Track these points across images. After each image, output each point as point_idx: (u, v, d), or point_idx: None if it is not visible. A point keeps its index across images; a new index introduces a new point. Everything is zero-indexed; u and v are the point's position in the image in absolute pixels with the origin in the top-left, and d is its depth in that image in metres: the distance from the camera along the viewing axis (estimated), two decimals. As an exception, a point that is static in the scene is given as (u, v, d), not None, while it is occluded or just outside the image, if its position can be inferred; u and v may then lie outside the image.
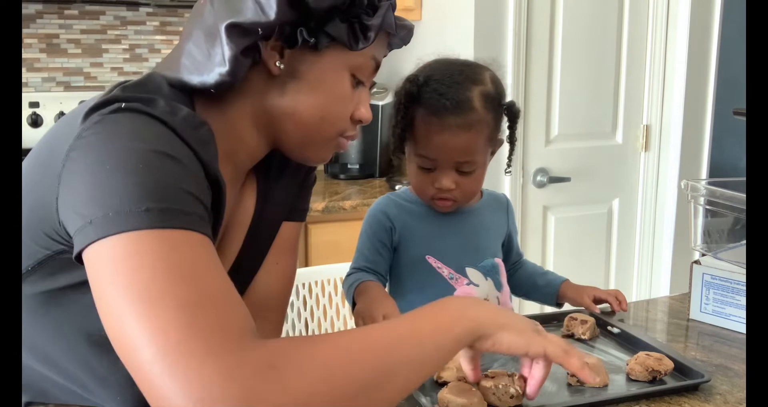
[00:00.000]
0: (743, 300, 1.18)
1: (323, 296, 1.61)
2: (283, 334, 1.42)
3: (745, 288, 1.18)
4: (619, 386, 0.95)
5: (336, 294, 1.62)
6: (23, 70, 2.38)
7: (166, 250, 0.63)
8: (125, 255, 0.62)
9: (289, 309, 1.53)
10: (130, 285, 0.62)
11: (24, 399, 0.82)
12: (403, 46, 0.94)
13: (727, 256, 1.25)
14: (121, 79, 2.52)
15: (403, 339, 0.69)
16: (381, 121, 2.43)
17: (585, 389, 0.93)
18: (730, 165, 2.96)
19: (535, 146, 2.40)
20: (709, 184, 1.31)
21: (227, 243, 0.94)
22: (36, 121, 2.31)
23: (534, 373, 0.83)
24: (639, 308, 1.33)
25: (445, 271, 1.13)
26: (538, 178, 2.41)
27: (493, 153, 1.14)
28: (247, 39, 0.78)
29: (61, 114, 2.32)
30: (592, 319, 1.13)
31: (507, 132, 1.15)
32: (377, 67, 0.90)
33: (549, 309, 1.32)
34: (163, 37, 2.53)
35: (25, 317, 0.77)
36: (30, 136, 2.21)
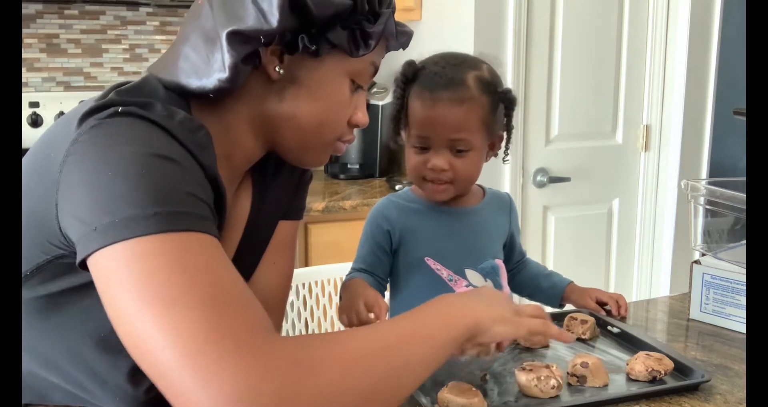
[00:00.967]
0: (743, 300, 1.18)
1: (323, 296, 1.61)
2: (283, 334, 1.42)
3: (745, 288, 1.18)
4: (619, 386, 0.95)
5: (336, 294, 1.62)
6: (23, 70, 2.38)
7: (179, 252, 0.63)
8: (138, 260, 0.62)
9: (289, 309, 1.53)
10: (146, 287, 0.61)
11: (23, 401, 0.82)
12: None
13: (727, 256, 1.25)
14: (121, 79, 2.53)
15: (410, 337, 0.71)
16: (381, 121, 2.43)
17: (585, 389, 0.93)
18: (730, 165, 2.96)
19: (535, 146, 2.40)
20: (709, 183, 1.31)
21: (223, 243, 0.94)
22: (36, 121, 2.31)
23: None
24: (639, 308, 1.33)
25: (444, 273, 1.13)
26: (538, 178, 2.41)
27: (492, 147, 1.14)
28: (249, 46, 0.77)
29: (61, 114, 2.32)
30: (592, 319, 1.13)
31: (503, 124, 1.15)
32: (375, 71, 0.90)
33: (549, 309, 1.32)
34: (163, 37, 2.53)
35: (25, 321, 0.77)
36: (30, 136, 2.21)
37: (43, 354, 0.79)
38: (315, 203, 2.09)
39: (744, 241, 1.24)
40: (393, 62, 1.09)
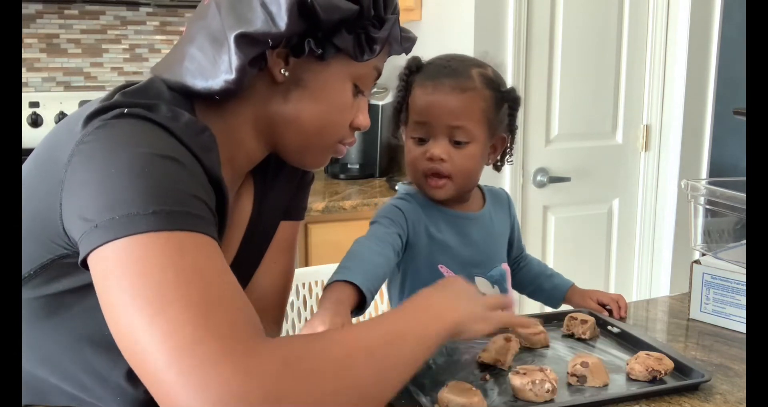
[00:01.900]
0: (743, 300, 1.18)
1: (323, 296, 1.61)
2: (283, 333, 1.42)
3: (745, 287, 1.18)
4: (619, 386, 0.95)
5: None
6: (23, 70, 2.38)
7: (175, 252, 0.63)
8: (133, 258, 0.62)
9: (289, 309, 1.53)
10: (139, 287, 0.61)
11: (23, 401, 0.82)
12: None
13: (727, 256, 1.25)
14: (121, 79, 2.53)
15: (396, 337, 0.73)
16: (381, 121, 2.43)
17: (585, 389, 0.93)
18: (730, 165, 2.96)
19: (535, 146, 2.40)
20: (709, 183, 1.31)
21: (225, 244, 0.94)
22: (36, 121, 2.31)
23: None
24: (639, 308, 1.33)
25: None
26: (538, 177, 2.41)
27: (494, 150, 1.13)
28: (256, 49, 0.77)
29: (61, 114, 2.32)
30: (592, 319, 1.13)
31: (506, 125, 1.14)
32: (378, 76, 0.91)
33: (549, 308, 1.32)
34: (163, 37, 2.53)
35: (27, 320, 0.77)
36: (30, 136, 2.21)
37: (44, 354, 0.79)
38: (315, 203, 2.10)
39: (744, 241, 1.24)
40: (394, 61, 1.09)
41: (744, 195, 1.18)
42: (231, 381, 0.58)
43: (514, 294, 1.21)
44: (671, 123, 2.54)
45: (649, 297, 2.00)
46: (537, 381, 0.89)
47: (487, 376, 0.97)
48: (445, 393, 0.87)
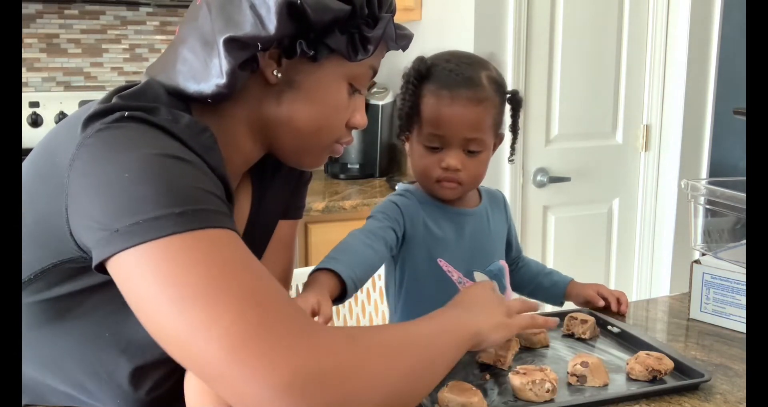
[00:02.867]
0: (743, 300, 1.18)
1: (323, 296, 1.61)
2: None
3: (745, 287, 1.18)
4: (619, 385, 0.95)
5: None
6: (23, 70, 2.38)
7: (209, 248, 0.64)
8: (168, 258, 0.62)
9: (289, 309, 1.52)
10: (181, 285, 0.61)
11: (23, 401, 0.82)
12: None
13: (727, 256, 1.25)
14: (121, 79, 2.53)
15: (434, 337, 0.77)
16: (381, 121, 2.43)
17: (585, 389, 0.93)
18: (730, 165, 2.96)
19: (535, 146, 2.40)
20: (709, 183, 1.31)
21: None
22: (36, 121, 2.31)
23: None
24: (639, 308, 1.33)
25: (455, 275, 1.13)
26: (538, 177, 2.41)
27: (495, 146, 1.14)
28: (246, 52, 0.77)
29: (61, 114, 2.32)
30: (592, 319, 1.13)
31: (509, 126, 1.16)
32: (374, 74, 0.90)
33: (549, 308, 1.32)
34: (163, 37, 2.53)
35: (27, 324, 0.77)
36: (30, 136, 2.21)
37: (44, 357, 0.79)
38: (315, 203, 2.09)
39: (744, 241, 1.24)
40: (394, 60, 1.09)
41: (744, 195, 1.18)
42: (295, 363, 0.60)
43: (510, 290, 1.21)
44: (671, 123, 2.54)
45: (649, 297, 2.00)
46: (537, 381, 0.89)
47: (487, 376, 0.97)
48: (445, 393, 0.87)
